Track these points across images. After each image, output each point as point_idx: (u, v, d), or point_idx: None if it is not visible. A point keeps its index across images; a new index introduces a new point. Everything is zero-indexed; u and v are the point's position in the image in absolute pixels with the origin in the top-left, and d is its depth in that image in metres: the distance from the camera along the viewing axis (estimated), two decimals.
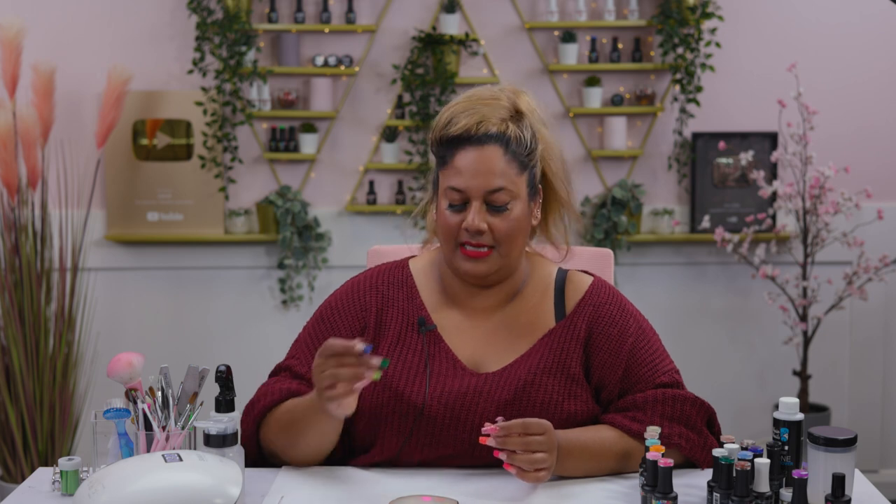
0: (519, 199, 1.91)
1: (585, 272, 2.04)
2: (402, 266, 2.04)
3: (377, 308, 1.98)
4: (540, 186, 1.98)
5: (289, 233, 4.05)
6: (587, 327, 1.96)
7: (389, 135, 4.13)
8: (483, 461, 1.88)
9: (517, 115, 1.93)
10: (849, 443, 1.67)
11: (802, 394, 4.00)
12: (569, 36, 4.10)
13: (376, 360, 1.72)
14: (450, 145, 1.91)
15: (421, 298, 1.99)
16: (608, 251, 2.33)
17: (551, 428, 1.78)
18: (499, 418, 1.79)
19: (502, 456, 1.75)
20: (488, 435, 1.75)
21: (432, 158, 2.00)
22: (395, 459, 1.91)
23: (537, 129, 1.95)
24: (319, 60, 4.09)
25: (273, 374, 2.01)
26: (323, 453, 1.91)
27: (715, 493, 1.66)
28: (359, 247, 4.09)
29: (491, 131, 1.90)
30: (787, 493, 1.65)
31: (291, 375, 1.97)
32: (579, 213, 2.06)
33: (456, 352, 1.94)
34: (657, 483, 1.66)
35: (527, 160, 1.93)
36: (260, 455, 1.95)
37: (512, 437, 1.74)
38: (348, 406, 1.77)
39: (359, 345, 1.71)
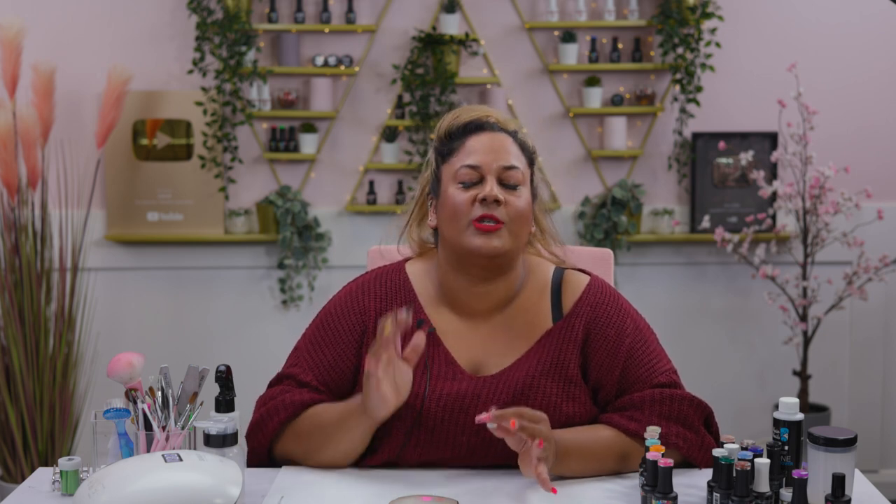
0: (526, 187, 1.94)
1: (582, 271, 2.03)
2: (399, 269, 2.03)
3: (376, 312, 1.97)
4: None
5: (289, 233, 4.05)
6: (584, 328, 1.95)
7: (389, 135, 4.13)
8: (482, 463, 1.88)
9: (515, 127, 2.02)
10: (849, 443, 1.67)
11: (802, 394, 4.00)
12: (569, 36, 4.10)
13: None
14: (461, 133, 1.96)
15: (420, 302, 1.98)
16: (608, 251, 2.33)
17: (547, 420, 1.76)
18: (492, 407, 1.76)
19: (502, 424, 1.70)
20: (484, 424, 1.72)
21: (429, 165, 2.02)
22: (394, 462, 1.90)
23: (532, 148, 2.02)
24: (319, 60, 4.09)
25: (274, 383, 1.99)
26: (350, 458, 1.90)
27: (715, 493, 1.66)
28: (359, 247, 4.09)
29: (497, 125, 1.98)
30: (787, 493, 1.65)
31: (296, 384, 1.95)
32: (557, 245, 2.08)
33: (454, 355, 1.94)
34: (657, 483, 1.66)
35: (532, 158, 1.98)
36: (270, 461, 1.95)
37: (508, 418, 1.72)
38: (389, 400, 1.79)
39: (400, 314, 1.77)
